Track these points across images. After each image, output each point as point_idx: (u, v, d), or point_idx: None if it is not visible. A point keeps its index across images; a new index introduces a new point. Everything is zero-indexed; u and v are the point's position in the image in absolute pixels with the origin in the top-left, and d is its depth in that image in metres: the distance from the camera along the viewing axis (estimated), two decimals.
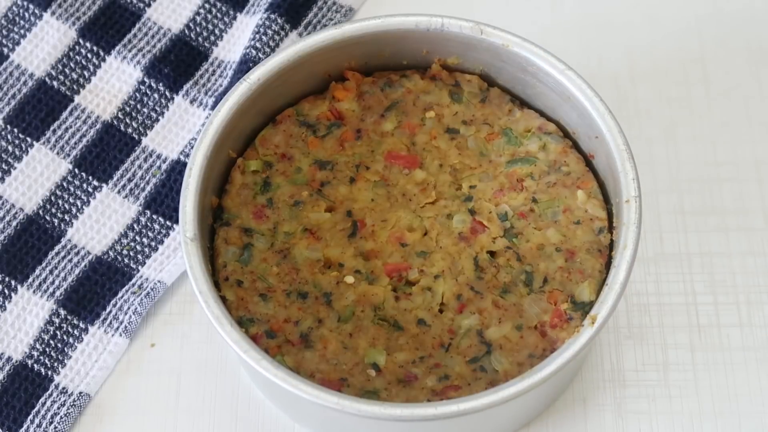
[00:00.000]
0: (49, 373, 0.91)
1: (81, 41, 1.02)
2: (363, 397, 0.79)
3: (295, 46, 0.86)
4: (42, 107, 0.99)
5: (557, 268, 0.83)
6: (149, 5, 1.04)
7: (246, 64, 0.99)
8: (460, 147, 0.88)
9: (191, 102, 1.00)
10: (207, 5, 1.04)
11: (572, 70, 0.84)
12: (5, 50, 1.02)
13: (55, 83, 1.00)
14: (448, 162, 0.87)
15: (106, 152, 0.99)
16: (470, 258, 0.84)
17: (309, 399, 0.75)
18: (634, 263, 0.78)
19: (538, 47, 0.85)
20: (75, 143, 0.98)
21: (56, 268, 0.94)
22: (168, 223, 0.96)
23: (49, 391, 0.91)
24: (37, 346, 0.92)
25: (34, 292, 0.94)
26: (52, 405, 0.90)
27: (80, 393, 0.91)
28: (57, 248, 0.95)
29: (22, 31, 1.02)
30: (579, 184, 0.86)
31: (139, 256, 0.95)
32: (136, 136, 0.99)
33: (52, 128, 0.99)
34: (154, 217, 0.96)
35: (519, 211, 0.85)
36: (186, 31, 1.03)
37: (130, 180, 0.97)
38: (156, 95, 1.00)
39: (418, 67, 0.91)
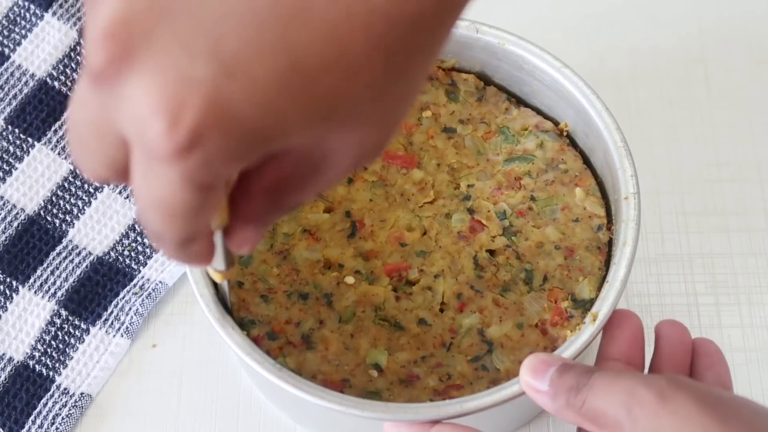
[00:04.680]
0: (51, 373, 0.91)
1: (82, 41, 1.02)
2: (365, 397, 0.79)
3: None
4: (43, 107, 1.00)
5: (557, 265, 0.83)
6: None
7: None
8: (457, 146, 0.88)
9: None
10: None
11: (568, 67, 0.84)
12: (6, 51, 1.02)
13: (56, 83, 1.01)
14: (445, 161, 0.87)
15: None
16: (470, 257, 0.84)
17: (312, 401, 0.75)
18: (633, 260, 0.78)
19: (534, 45, 0.85)
20: None
21: (57, 268, 0.94)
22: None
23: (51, 392, 0.91)
24: (39, 346, 0.92)
25: (35, 292, 0.94)
26: (53, 406, 0.90)
27: (82, 394, 0.91)
28: (58, 249, 0.95)
29: (23, 32, 1.02)
30: (577, 181, 0.86)
31: (141, 257, 0.95)
32: None
33: (53, 128, 0.99)
34: None
35: (517, 209, 0.85)
36: None
37: None
38: None
39: None
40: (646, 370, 0.76)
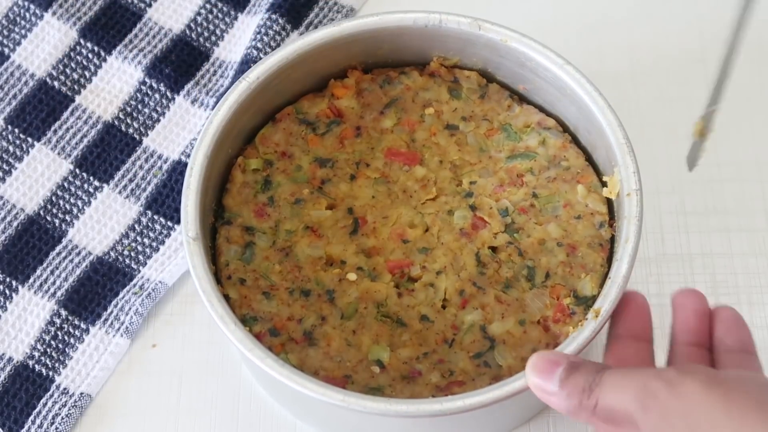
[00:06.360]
0: (50, 373, 0.91)
1: (82, 41, 1.02)
2: (367, 393, 0.79)
3: (293, 45, 0.86)
4: (43, 107, 1.00)
5: (559, 262, 0.83)
6: (150, 5, 1.04)
7: (247, 65, 0.99)
8: (459, 143, 0.88)
9: (192, 102, 1.00)
10: (208, 5, 1.04)
11: (571, 64, 0.84)
12: (6, 50, 1.02)
13: (56, 83, 1.01)
14: (448, 158, 0.87)
15: (107, 152, 0.99)
16: (472, 253, 0.84)
17: (315, 397, 0.75)
18: (636, 256, 0.78)
19: (537, 42, 0.85)
20: (76, 143, 0.99)
21: (57, 268, 0.94)
22: (169, 223, 0.96)
23: (50, 392, 0.91)
24: (38, 346, 0.92)
25: (35, 292, 0.93)
26: (53, 406, 0.90)
27: (81, 393, 0.90)
28: (58, 248, 0.95)
29: (23, 32, 1.02)
30: (579, 178, 0.86)
31: (140, 257, 0.95)
32: (137, 137, 0.99)
33: (53, 128, 0.99)
34: (155, 217, 0.96)
35: (519, 206, 0.85)
36: (187, 32, 1.03)
37: (131, 180, 0.98)
38: (157, 95, 1.00)
39: (416, 63, 0.91)
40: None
